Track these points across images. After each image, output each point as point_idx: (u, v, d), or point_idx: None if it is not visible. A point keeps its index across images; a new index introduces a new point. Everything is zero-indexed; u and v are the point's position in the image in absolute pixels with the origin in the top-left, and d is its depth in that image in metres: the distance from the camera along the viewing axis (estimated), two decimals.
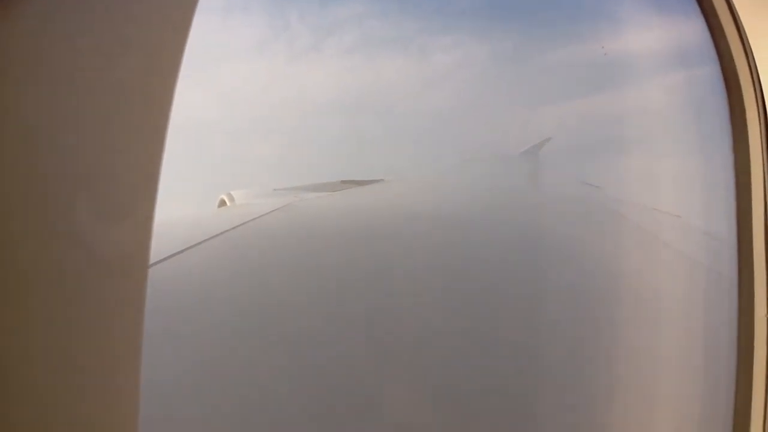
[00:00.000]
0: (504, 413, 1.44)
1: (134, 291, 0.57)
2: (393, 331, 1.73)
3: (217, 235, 2.33)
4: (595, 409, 1.55)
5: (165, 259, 1.92)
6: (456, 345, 1.69)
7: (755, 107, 1.47)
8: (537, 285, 2.17)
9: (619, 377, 1.66)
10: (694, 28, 1.65)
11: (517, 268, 2.37)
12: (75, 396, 0.53)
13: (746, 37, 1.48)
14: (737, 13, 1.46)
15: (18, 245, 0.47)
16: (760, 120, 1.47)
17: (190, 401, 1.31)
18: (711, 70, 1.63)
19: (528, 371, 1.63)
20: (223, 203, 4.20)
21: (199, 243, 2.19)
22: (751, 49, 1.48)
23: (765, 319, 1.49)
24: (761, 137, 1.47)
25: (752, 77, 1.47)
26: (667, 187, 2.45)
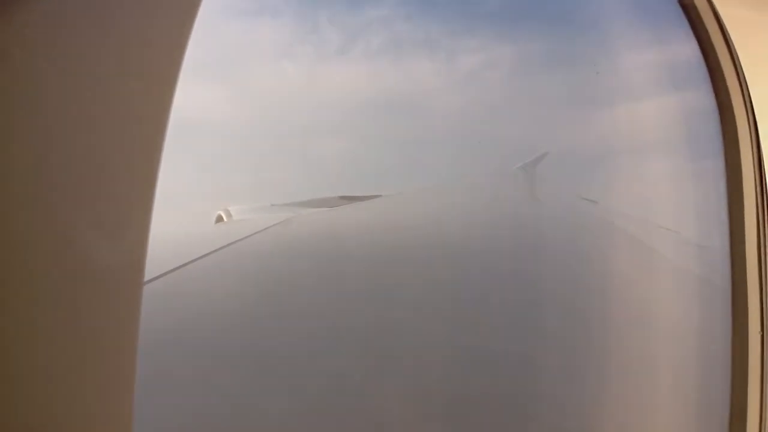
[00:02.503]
0: (501, 423, 1.44)
1: (129, 303, 0.57)
2: (392, 345, 1.73)
3: (215, 251, 2.33)
4: (590, 419, 1.54)
5: (164, 274, 1.92)
6: (455, 360, 1.69)
7: (746, 123, 1.49)
8: (535, 301, 2.18)
9: (616, 390, 1.66)
10: (688, 47, 1.67)
11: (515, 285, 2.37)
12: (71, 405, 0.53)
13: (737, 54, 1.50)
14: (726, 28, 1.49)
15: (15, 256, 0.48)
16: (751, 135, 1.49)
17: (187, 417, 1.31)
18: (703, 88, 1.65)
19: (526, 383, 1.63)
20: (220, 219, 4.20)
21: (198, 258, 2.19)
22: (741, 66, 1.50)
23: (759, 335, 1.50)
24: (752, 150, 1.49)
25: (742, 92, 1.49)
26: (663, 201, 2.46)
